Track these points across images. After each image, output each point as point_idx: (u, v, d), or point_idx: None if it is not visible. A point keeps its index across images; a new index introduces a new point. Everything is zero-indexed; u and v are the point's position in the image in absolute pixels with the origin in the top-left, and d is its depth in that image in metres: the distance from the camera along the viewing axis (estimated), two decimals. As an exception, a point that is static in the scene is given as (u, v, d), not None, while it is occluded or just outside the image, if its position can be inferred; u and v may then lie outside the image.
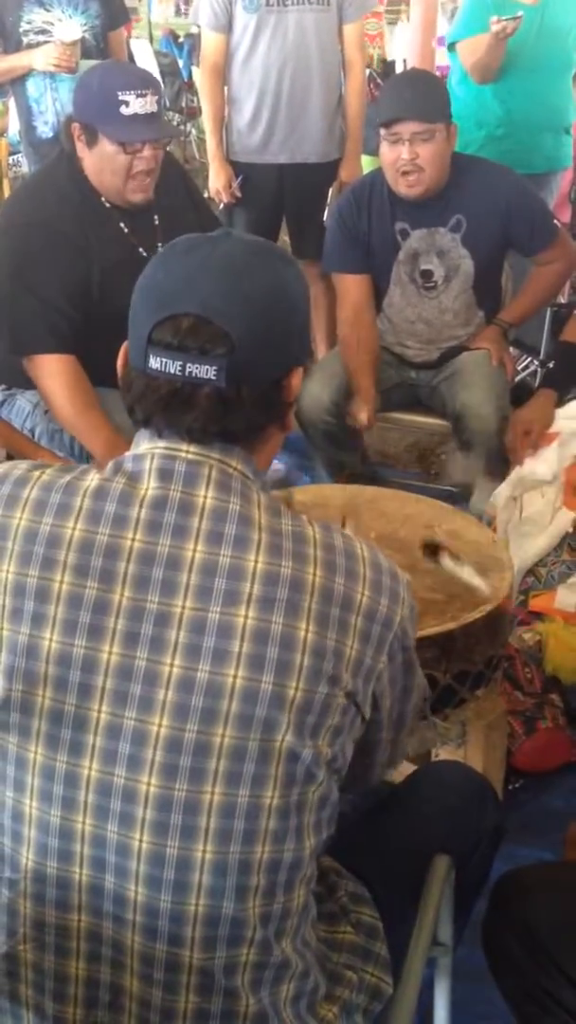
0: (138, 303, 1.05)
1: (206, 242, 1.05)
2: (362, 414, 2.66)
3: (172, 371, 0.99)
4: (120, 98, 2.21)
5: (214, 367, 0.99)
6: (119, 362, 1.07)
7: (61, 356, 2.31)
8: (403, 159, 2.56)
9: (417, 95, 2.56)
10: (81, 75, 2.47)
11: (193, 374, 0.99)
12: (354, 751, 1.06)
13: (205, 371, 0.99)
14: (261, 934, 0.99)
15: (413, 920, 1.19)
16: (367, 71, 3.87)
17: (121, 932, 0.99)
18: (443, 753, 1.86)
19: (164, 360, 0.99)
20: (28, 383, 2.42)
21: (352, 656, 0.99)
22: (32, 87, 3.38)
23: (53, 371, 2.32)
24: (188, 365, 0.99)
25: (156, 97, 2.27)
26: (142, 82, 2.27)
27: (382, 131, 2.58)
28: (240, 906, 0.97)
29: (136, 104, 2.22)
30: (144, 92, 2.23)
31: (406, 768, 1.87)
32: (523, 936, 1.26)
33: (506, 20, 3.05)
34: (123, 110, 2.22)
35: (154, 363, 1.00)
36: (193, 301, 1.00)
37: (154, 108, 2.26)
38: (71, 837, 0.99)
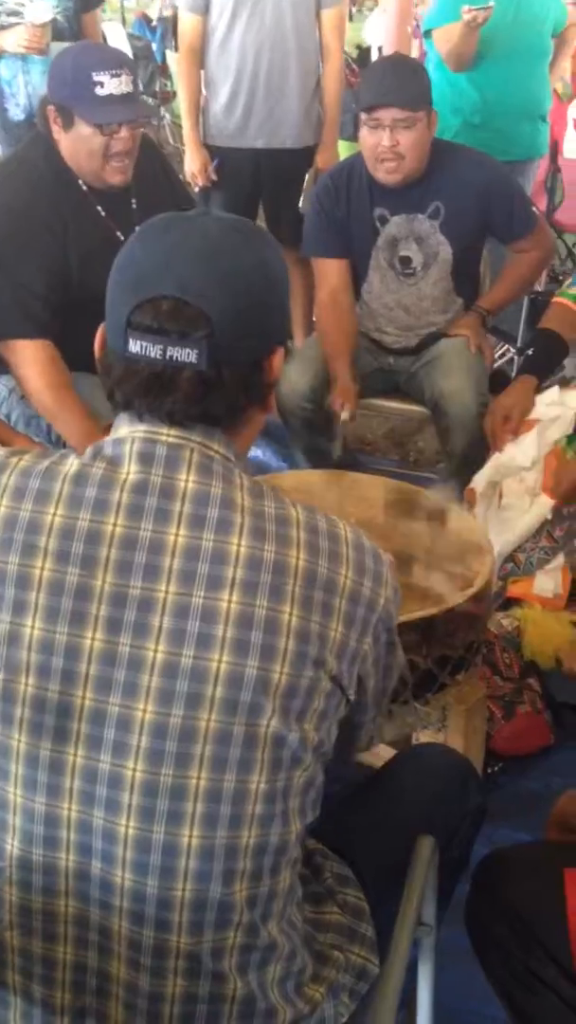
0: (115, 284, 1.03)
1: (184, 220, 1.04)
2: (344, 411, 2.64)
3: (153, 355, 0.98)
4: (94, 78, 2.19)
5: (195, 350, 0.98)
6: (97, 345, 1.06)
7: (37, 342, 2.29)
8: (384, 146, 2.55)
9: (400, 81, 2.55)
10: (54, 57, 2.44)
11: (174, 358, 0.98)
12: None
13: (186, 354, 0.98)
14: (248, 917, 0.99)
15: (397, 900, 1.20)
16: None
17: (108, 918, 0.99)
18: (423, 737, 1.87)
19: (144, 344, 0.98)
20: (3, 368, 2.40)
21: (337, 639, 0.99)
22: (3, 69, 3.33)
23: (29, 357, 2.30)
24: (169, 348, 0.98)
25: (131, 77, 2.25)
26: (116, 62, 2.24)
27: (363, 116, 2.57)
28: (227, 890, 0.98)
29: (111, 84, 2.20)
30: (119, 72, 2.21)
31: (387, 753, 1.88)
32: (507, 916, 1.28)
33: (477, 9, 3.05)
34: (98, 91, 2.19)
35: (134, 347, 0.99)
36: (171, 282, 0.98)
37: (129, 88, 2.24)
38: (57, 824, 0.98)
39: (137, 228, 1.08)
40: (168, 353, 0.98)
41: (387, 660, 1.11)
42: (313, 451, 2.84)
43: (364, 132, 2.59)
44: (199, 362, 0.98)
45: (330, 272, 2.78)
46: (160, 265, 1.00)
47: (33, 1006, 1.01)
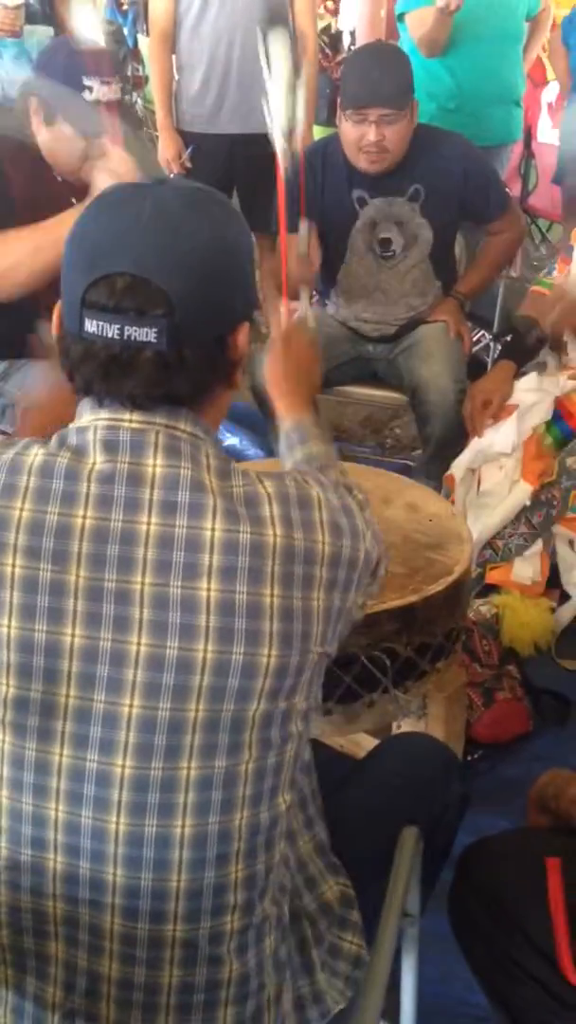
0: (69, 260, 0.99)
1: (139, 191, 0.99)
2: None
3: (110, 335, 0.94)
4: (84, 83, 2.17)
5: (154, 329, 0.94)
6: (53, 324, 1.02)
7: None
8: (369, 140, 2.53)
9: (386, 77, 2.51)
10: (49, 48, 2.41)
11: (132, 337, 0.94)
12: None
13: (144, 334, 0.94)
14: (244, 897, 0.99)
15: (381, 889, 1.19)
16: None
17: (99, 916, 0.98)
18: (404, 726, 1.86)
19: (100, 323, 0.94)
20: None
21: (320, 607, 0.98)
22: (-25, 53, 3.30)
23: None
24: (126, 328, 0.94)
25: (120, 84, 2.24)
26: (108, 68, 2.22)
27: (348, 111, 2.54)
28: (221, 873, 0.97)
29: (99, 91, 2.18)
30: (109, 79, 2.19)
31: (368, 742, 1.88)
32: (489, 904, 1.28)
33: None
34: (86, 96, 2.18)
35: (90, 326, 0.95)
36: (127, 258, 0.94)
37: (117, 95, 2.22)
38: (44, 824, 0.97)
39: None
40: (126, 333, 0.94)
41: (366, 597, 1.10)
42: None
43: (347, 125, 2.56)
44: (159, 342, 0.94)
45: (302, 240, 2.73)
46: (115, 240, 0.95)
47: (25, 1000, 1.00)
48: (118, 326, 0.94)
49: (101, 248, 0.96)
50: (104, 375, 0.96)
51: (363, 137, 2.53)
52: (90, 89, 2.17)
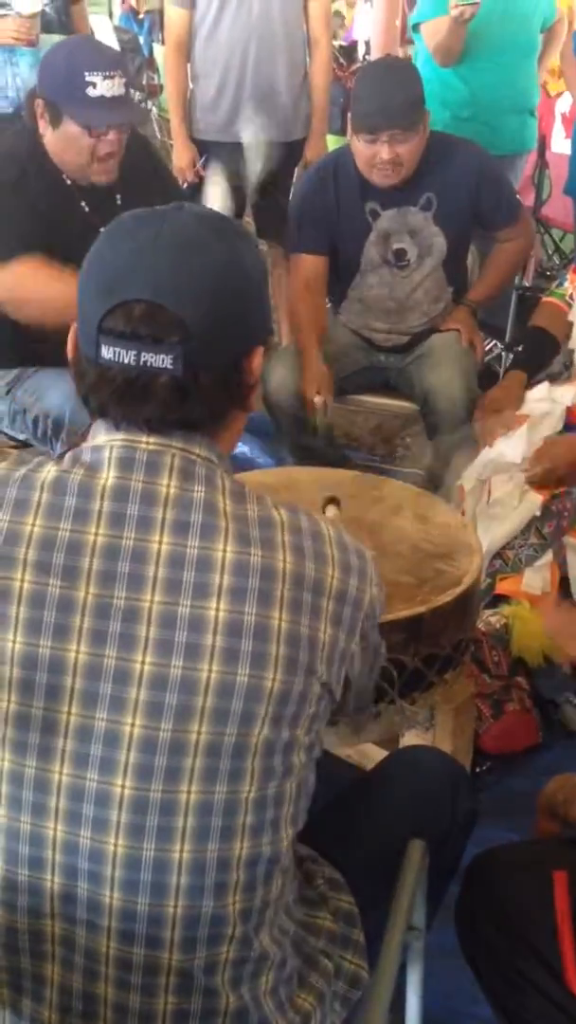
0: (86, 285, 0.99)
1: (154, 217, 1.00)
2: (318, 398, 2.61)
3: (126, 361, 0.95)
4: (87, 79, 2.16)
5: (170, 355, 0.94)
6: (69, 346, 1.03)
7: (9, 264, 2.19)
8: (383, 159, 2.54)
9: (396, 97, 2.50)
10: (48, 50, 2.41)
11: (148, 363, 0.95)
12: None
13: (161, 360, 0.95)
14: (241, 930, 0.97)
15: (387, 904, 1.19)
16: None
17: (95, 939, 0.97)
18: (411, 737, 1.86)
19: (117, 350, 0.95)
20: None
21: (326, 641, 0.98)
22: (-8, 62, 3.31)
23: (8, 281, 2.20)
24: (143, 354, 0.94)
25: (124, 79, 2.22)
26: (111, 63, 2.21)
27: (361, 133, 2.54)
28: (219, 903, 0.96)
29: (103, 86, 2.17)
30: (112, 74, 2.18)
31: (376, 753, 1.87)
32: (495, 917, 1.27)
33: (464, 4, 3.04)
34: (89, 91, 2.17)
35: (107, 353, 0.95)
36: (144, 285, 0.95)
37: (121, 90, 2.21)
38: (42, 844, 0.96)
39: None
40: (142, 359, 0.95)
41: (373, 657, 1.10)
42: (301, 448, 2.83)
43: (359, 144, 2.56)
44: (175, 368, 0.95)
45: (307, 265, 2.75)
46: (131, 267, 0.96)
47: (22, 1021, 1.00)
48: (134, 352, 0.95)
49: (118, 274, 0.97)
50: (120, 400, 0.97)
51: (376, 155, 2.54)
52: (93, 84, 2.17)
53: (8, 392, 2.41)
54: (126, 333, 0.95)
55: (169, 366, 0.95)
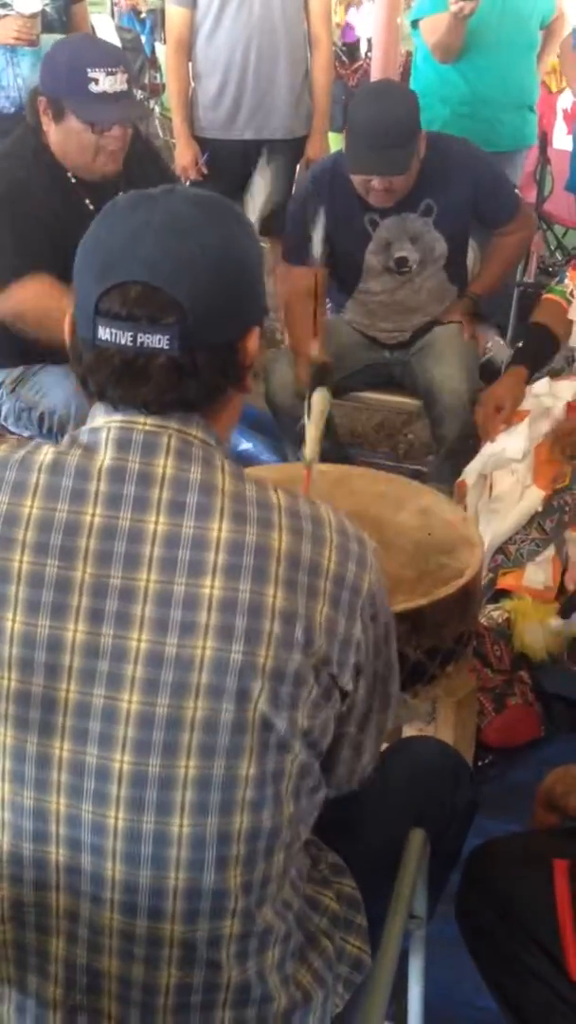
0: (82, 267, 1.00)
1: (149, 199, 1.00)
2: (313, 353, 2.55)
3: (123, 342, 0.96)
4: (89, 75, 2.17)
5: (166, 336, 0.95)
6: (66, 330, 1.03)
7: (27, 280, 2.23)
8: (376, 188, 2.55)
9: (391, 145, 2.47)
10: (50, 48, 2.42)
11: (145, 344, 0.96)
12: (346, 741, 1.05)
13: (157, 340, 0.95)
14: (243, 903, 0.99)
15: (388, 893, 1.20)
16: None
17: (99, 912, 0.98)
18: (413, 731, 1.86)
19: (114, 331, 0.96)
20: None
21: (323, 621, 0.97)
22: (-7, 61, 3.32)
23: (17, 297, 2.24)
24: (139, 335, 0.95)
25: (126, 75, 2.23)
26: (112, 59, 2.23)
27: (354, 170, 2.55)
28: (220, 876, 0.97)
29: (105, 82, 2.18)
30: (114, 70, 2.19)
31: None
32: (496, 907, 1.28)
33: (464, 1, 3.04)
34: (92, 88, 2.18)
35: (104, 334, 0.96)
36: (139, 266, 0.95)
37: (124, 86, 2.22)
38: (45, 818, 0.98)
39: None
40: (139, 340, 0.96)
41: (383, 656, 1.08)
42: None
43: (352, 173, 2.56)
44: (171, 348, 0.96)
45: (305, 275, 2.74)
46: (126, 248, 0.96)
47: (27, 998, 1.01)
48: (131, 333, 0.96)
49: (113, 256, 0.97)
50: (117, 381, 0.98)
51: (368, 183, 2.55)
52: (96, 80, 2.17)
53: (13, 390, 2.42)
54: (122, 314, 0.96)
55: (166, 347, 0.96)
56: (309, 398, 1.77)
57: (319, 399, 1.79)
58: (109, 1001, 1.00)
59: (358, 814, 1.28)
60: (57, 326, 2.11)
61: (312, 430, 1.78)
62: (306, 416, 1.74)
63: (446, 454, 2.67)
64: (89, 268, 0.99)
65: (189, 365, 0.97)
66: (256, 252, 1.05)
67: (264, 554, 0.96)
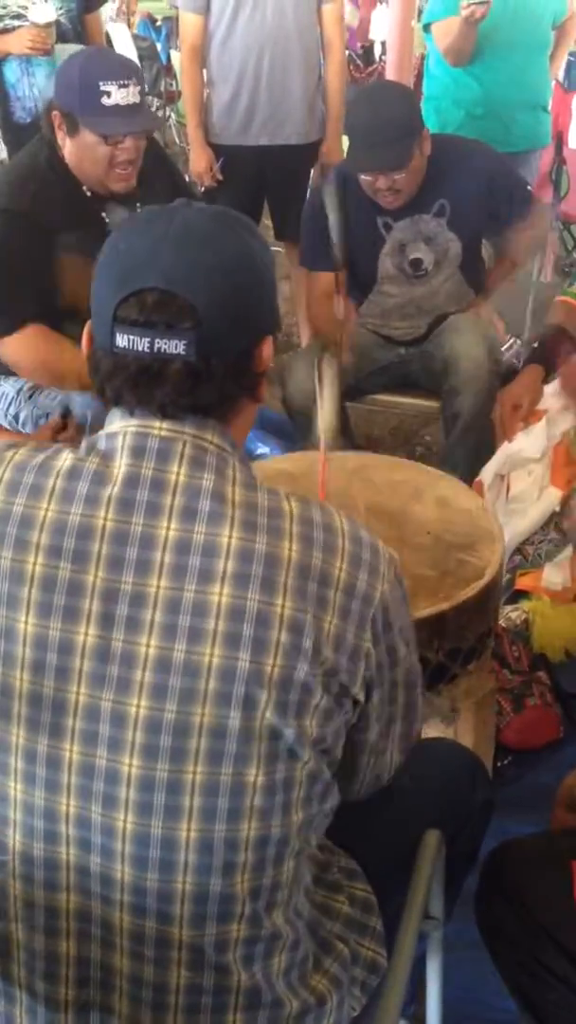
0: (100, 280, 1.02)
1: (165, 213, 1.03)
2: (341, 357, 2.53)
3: (140, 348, 0.98)
4: (101, 88, 2.18)
5: (183, 341, 0.97)
6: (83, 341, 1.05)
7: (22, 331, 2.29)
8: (380, 188, 2.56)
9: (385, 140, 2.48)
10: (62, 61, 2.44)
11: (162, 350, 0.97)
12: (365, 750, 1.06)
13: (174, 346, 0.97)
14: (251, 908, 0.99)
15: (405, 895, 1.19)
16: (346, 52, 3.85)
17: (109, 911, 0.99)
18: (434, 732, 1.86)
19: (131, 338, 0.98)
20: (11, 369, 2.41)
21: (331, 632, 0.97)
22: (9, 72, 3.36)
23: (14, 347, 2.30)
24: (156, 341, 0.97)
25: (139, 87, 2.24)
26: (125, 71, 2.23)
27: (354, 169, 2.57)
28: (228, 882, 0.97)
29: (118, 95, 2.19)
30: (126, 83, 2.19)
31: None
32: (515, 908, 1.28)
33: (475, 4, 3.04)
34: (104, 101, 2.19)
35: (121, 341, 0.98)
36: (156, 274, 0.98)
37: (136, 99, 2.23)
38: (56, 818, 0.98)
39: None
40: (156, 345, 0.97)
41: (401, 667, 1.07)
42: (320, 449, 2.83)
43: (358, 174, 2.58)
44: (187, 353, 0.97)
45: (327, 280, 2.74)
46: (144, 258, 0.99)
47: (36, 1002, 1.02)
48: (148, 339, 0.97)
49: (131, 265, 0.99)
50: (134, 385, 0.99)
51: (374, 183, 2.56)
52: (108, 93, 2.19)
53: (31, 397, 2.44)
54: (139, 321, 0.98)
55: (182, 351, 0.97)
56: (319, 366, 1.76)
57: (328, 362, 1.78)
58: (121, 999, 1.00)
59: (375, 815, 1.27)
60: (49, 376, 2.17)
61: (327, 395, 1.74)
62: (316, 385, 1.71)
63: (460, 434, 2.62)
64: (108, 280, 1.01)
65: (204, 370, 0.99)
66: (270, 264, 1.07)
67: (273, 563, 0.96)
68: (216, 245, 1.00)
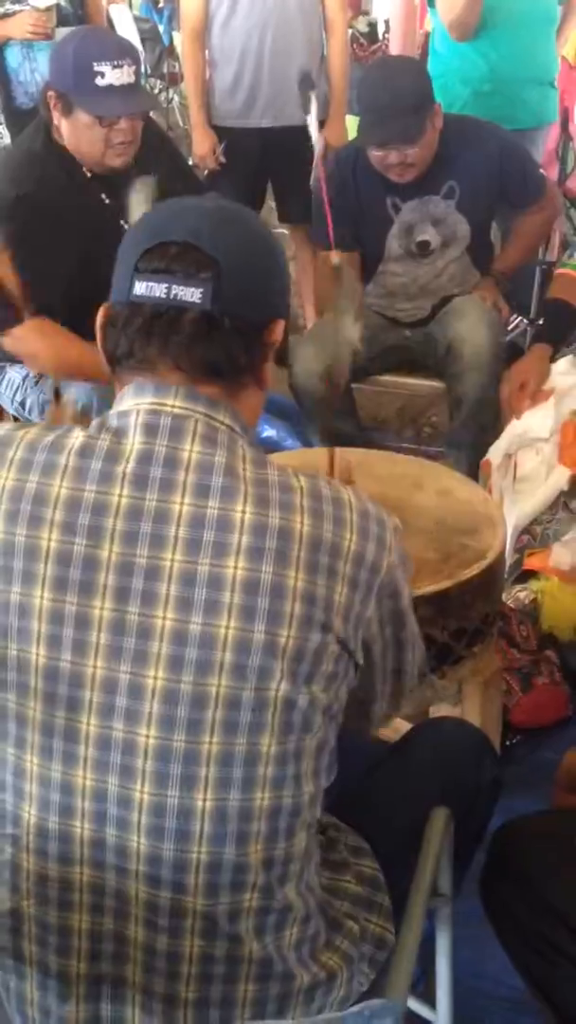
0: (126, 243, 1.06)
1: (194, 199, 1.11)
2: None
3: (157, 294, 1.00)
4: (95, 69, 2.16)
5: (199, 289, 0.99)
6: (98, 321, 1.06)
7: (28, 322, 2.26)
8: (392, 162, 2.55)
9: (398, 113, 2.48)
10: (57, 42, 2.43)
11: (178, 296, 1.00)
12: (350, 700, 1.07)
13: (191, 293, 0.99)
14: (263, 879, 1.00)
15: (413, 872, 1.20)
16: (350, 31, 3.82)
17: (124, 882, 1.00)
18: (441, 711, 1.87)
19: (150, 284, 1.00)
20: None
21: (342, 602, 1.00)
22: (11, 57, 3.35)
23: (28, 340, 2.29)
24: (174, 287, 1.00)
25: (134, 67, 2.22)
26: (119, 51, 2.21)
27: (366, 143, 2.55)
28: (241, 851, 0.99)
29: (112, 75, 2.17)
30: (120, 63, 2.18)
31: (403, 726, 1.89)
32: (521, 885, 1.28)
33: None
34: (98, 81, 2.17)
35: (139, 288, 1.01)
36: (182, 230, 1.02)
37: (131, 79, 2.21)
38: (72, 792, 1.00)
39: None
40: (173, 292, 1.00)
41: (394, 630, 1.11)
42: (328, 431, 2.83)
43: (367, 148, 2.57)
44: (203, 302, 1.00)
45: (335, 257, 2.74)
46: (171, 219, 1.04)
47: (49, 977, 1.03)
48: (165, 285, 1.00)
49: (157, 224, 1.05)
50: (147, 333, 1.01)
51: (385, 158, 2.55)
52: (102, 74, 2.17)
53: (37, 383, 2.45)
54: (160, 268, 1.01)
55: (198, 300, 1.00)
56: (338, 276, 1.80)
57: (346, 272, 1.80)
58: (134, 969, 1.02)
59: (383, 793, 1.29)
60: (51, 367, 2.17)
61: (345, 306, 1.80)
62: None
63: (465, 419, 2.62)
64: (132, 241, 1.05)
65: (218, 324, 1.01)
66: (286, 262, 1.11)
67: (286, 537, 0.98)
68: (242, 225, 1.06)
